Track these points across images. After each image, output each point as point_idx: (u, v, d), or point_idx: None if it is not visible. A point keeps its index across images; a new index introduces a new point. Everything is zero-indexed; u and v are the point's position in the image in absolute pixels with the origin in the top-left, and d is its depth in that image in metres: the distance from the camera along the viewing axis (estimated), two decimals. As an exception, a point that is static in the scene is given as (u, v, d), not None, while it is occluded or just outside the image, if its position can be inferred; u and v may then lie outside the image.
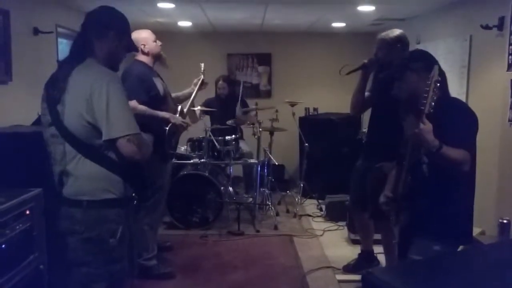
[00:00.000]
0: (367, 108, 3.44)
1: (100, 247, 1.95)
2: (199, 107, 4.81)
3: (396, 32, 3.17)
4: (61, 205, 1.98)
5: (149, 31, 3.43)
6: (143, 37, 3.37)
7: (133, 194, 2.06)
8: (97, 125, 1.86)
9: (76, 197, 1.94)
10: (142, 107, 3.20)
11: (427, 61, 2.15)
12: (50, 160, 2.00)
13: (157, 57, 3.44)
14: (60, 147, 1.93)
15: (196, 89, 3.88)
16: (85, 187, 1.93)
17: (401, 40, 3.14)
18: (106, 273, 1.97)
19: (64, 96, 1.89)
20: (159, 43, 3.44)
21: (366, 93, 3.28)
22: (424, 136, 1.91)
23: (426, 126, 1.90)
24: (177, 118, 3.44)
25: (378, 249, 3.64)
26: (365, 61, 3.15)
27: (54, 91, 1.93)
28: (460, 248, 2.20)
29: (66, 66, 1.95)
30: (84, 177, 1.92)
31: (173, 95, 3.74)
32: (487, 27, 3.58)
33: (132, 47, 2.21)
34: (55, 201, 2.02)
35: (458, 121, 2.05)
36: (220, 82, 5.52)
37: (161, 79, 3.49)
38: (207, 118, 5.34)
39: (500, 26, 3.51)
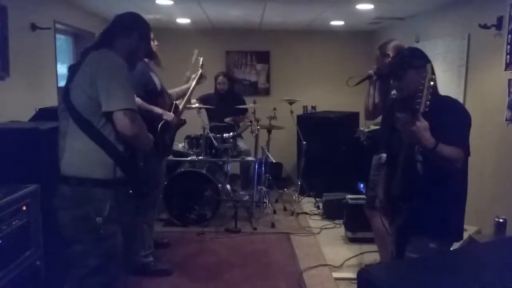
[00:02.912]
0: (379, 114, 3.45)
1: (87, 225, 2.00)
2: (196, 103, 4.81)
3: (390, 44, 3.22)
4: (58, 183, 2.06)
5: None
6: None
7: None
8: (98, 99, 1.95)
9: (66, 172, 2.02)
10: (137, 99, 3.17)
11: (425, 59, 2.15)
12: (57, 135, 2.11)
13: (152, 56, 3.44)
14: (65, 121, 2.04)
15: (194, 83, 3.87)
16: (75, 162, 2.01)
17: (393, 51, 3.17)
18: (99, 250, 2.02)
19: (76, 75, 2.02)
20: (155, 42, 3.44)
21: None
22: (421, 134, 1.91)
23: (423, 124, 1.90)
24: (169, 115, 3.43)
25: (372, 247, 3.66)
26: (370, 71, 3.27)
27: (70, 74, 2.08)
28: (454, 245, 2.22)
29: (84, 53, 2.09)
30: (77, 152, 2.01)
31: (170, 91, 3.74)
32: (485, 27, 3.58)
33: (149, 54, 2.38)
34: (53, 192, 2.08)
35: (451, 119, 2.04)
36: (220, 77, 5.51)
37: (156, 74, 3.48)
38: (204, 115, 5.34)
39: (499, 26, 3.51)
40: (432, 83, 1.88)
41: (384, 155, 3.09)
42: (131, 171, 2.08)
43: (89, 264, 2.02)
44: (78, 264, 2.04)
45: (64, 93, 2.06)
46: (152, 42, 3.40)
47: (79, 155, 2.01)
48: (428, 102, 1.88)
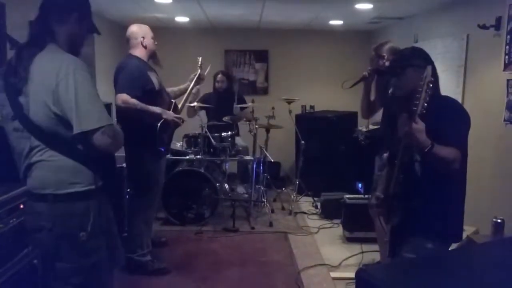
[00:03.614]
0: (375, 112, 3.51)
1: (70, 242, 1.85)
2: (195, 103, 4.80)
3: (386, 46, 3.26)
4: (27, 201, 1.90)
5: (149, 27, 3.45)
6: (143, 30, 3.40)
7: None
8: (65, 117, 1.75)
9: (40, 190, 1.83)
10: (133, 101, 3.20)
11: (426, 59, 2.15)
12: (13, 156, 1.90)
13: (152, 55, 3.45)
14: (25, 141, 1.83)
15: (192, 84, 3.85)
16: (50, 179, 1.82)
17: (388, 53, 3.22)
18: (82, 267, 1.89)
19: (27, 86, 1.76)
20: (155, 42, 3.46)
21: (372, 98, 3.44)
22: (416, 136, 1.91)
23: (418, 126, 1.90)
24: (168, 114, 3.41)
25: (374, 247, 3.66)
26: (365, 73, 3.30)
27: (14, 81, 1.79)
28: (452, 246, 2.21)
29: (25, 53, 1.81)
30: (49, 168, 1.82)
31: (168, 89, 3.73)
32: (484, 27, 3.58)
33: (94, 28, 2.04)
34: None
35: (449, 119, 2.04)
36: (219, 75, 5.52)
37: (156, 73, 3.48)
38: (203, 114, 5.33)
39: (497, 26, 3.51)
40: (431, 85, 1.87)
41: (386, 155, 3.11)
42: (105, 167, 1.93)
43: (71, 281, 1.88)
44: (61, 282, 1.90)
45: (16, 109, 1.78)
46: (152, 41, 3.42)
47: (53, 172, 1.82)
48: (425, 104, 1.88)
